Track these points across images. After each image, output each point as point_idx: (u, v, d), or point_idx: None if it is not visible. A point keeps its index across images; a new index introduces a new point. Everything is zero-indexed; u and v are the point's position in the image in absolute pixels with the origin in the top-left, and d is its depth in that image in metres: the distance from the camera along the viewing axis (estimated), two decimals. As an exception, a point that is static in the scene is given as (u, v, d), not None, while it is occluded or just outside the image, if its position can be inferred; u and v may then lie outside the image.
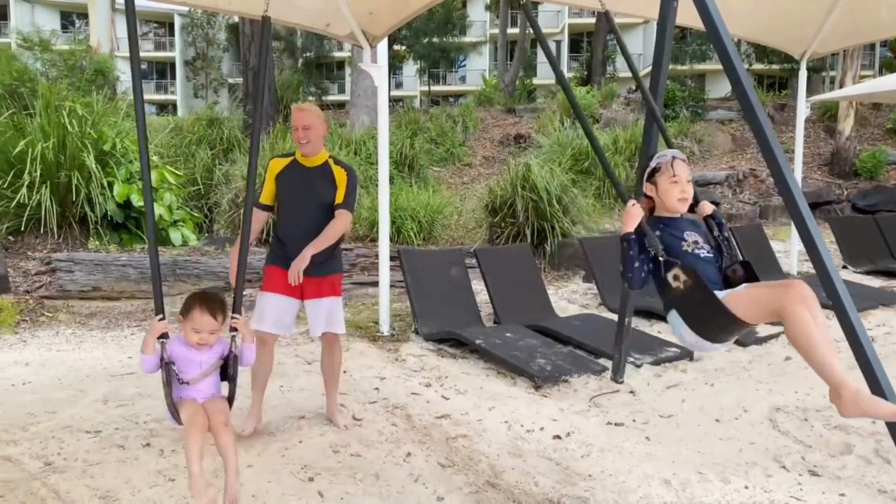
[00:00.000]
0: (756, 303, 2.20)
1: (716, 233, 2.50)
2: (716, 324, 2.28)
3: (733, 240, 2.54)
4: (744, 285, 2.35)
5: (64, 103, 7.87)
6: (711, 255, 2.42)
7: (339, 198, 3.56)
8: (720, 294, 2.26)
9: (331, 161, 3.63)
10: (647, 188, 2.48)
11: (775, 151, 2.53)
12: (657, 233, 2.40)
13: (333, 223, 3.50)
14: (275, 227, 3.71)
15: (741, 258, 2.48)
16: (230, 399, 2.67)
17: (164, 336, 2.53)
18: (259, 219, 3.66)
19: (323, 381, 3.85)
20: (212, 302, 2.62)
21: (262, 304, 3.59)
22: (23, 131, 7.59)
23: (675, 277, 2.29)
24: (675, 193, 2.39)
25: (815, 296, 2.14)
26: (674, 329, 2.43)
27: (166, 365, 2.53)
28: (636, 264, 2.38)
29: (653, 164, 2.46)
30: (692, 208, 2.55)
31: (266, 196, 3.67)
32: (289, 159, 3.65)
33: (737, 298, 2.24)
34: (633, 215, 2.38)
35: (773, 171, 2.50)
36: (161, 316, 2.55)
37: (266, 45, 2.84)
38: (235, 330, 2.66)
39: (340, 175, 3.59)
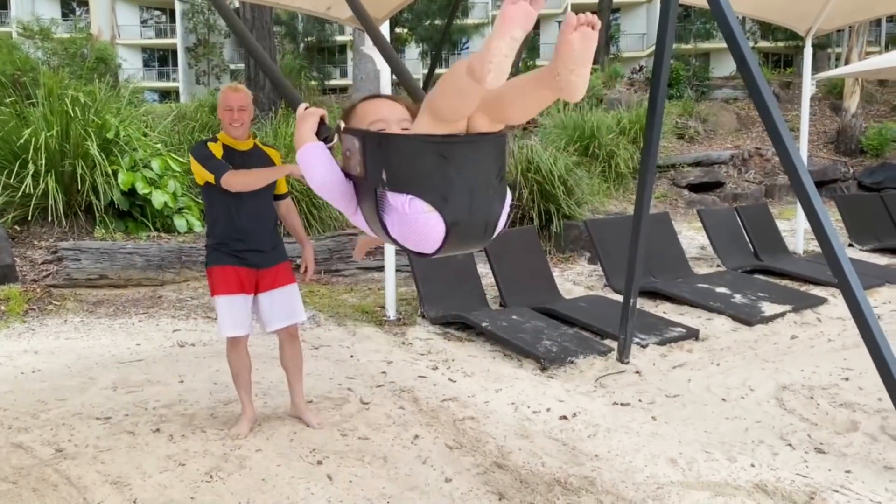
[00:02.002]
0: None
1: None
2: None
3: None
4: None
5: (66, 92, 7.84)
6: None
7: (284, 186, 3.48)
8: None
9: (258, 142, 3.43)
10: None
11: (781, 130, 2.53)
12: None
13: (295, 217, 3.60)
14: (220, 224, 3.34)
15: None
16: None
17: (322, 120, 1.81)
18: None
19: (287, 380, 3.61)
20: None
21: (229, 308, 3.31)
22: (26, 121, 7.58)
23: None
24: None
25: None
26: None
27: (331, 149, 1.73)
28: None
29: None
30: None
31: None
32: (219, 144, 3.29)
33: None
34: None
35: (778, 150, 2.50)
36: (306, 105, 1.87)
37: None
38: None
39: (277, 157, 3.42)
